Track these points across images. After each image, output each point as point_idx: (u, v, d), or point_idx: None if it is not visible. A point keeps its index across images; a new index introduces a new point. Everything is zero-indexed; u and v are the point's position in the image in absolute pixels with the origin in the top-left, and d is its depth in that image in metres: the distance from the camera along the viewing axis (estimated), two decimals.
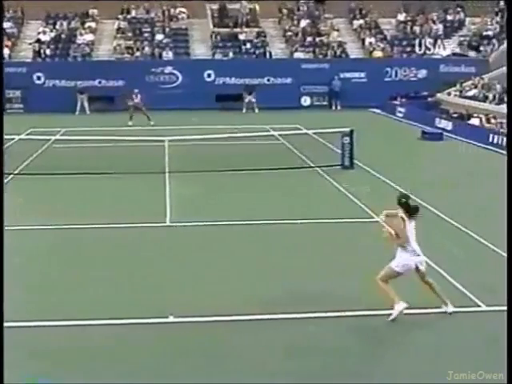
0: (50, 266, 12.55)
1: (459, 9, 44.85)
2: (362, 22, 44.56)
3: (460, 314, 10.15)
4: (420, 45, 42.61)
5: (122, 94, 36.38)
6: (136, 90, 33.84)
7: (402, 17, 44.96)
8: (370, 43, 42.83)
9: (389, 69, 40.66)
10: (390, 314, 9.77)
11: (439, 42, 42.49)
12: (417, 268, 9.90)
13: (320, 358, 8.83)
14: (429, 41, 42.52)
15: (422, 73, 40.58)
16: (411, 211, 9.96)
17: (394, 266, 9.87)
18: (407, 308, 9.78)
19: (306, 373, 8.48)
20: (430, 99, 38.14)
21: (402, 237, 9.79)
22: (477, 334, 9.67)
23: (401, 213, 9.91)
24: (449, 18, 44.95)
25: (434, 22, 44.15)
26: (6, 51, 40.67)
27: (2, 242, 11.54)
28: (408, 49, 43.04)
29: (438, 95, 38.00)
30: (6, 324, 8.66)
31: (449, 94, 37.44)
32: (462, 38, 42.96)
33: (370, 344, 9.48)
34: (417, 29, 44.00)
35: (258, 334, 9.62)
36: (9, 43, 41.58)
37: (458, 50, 41.91)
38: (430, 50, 42.33)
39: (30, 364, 8.70)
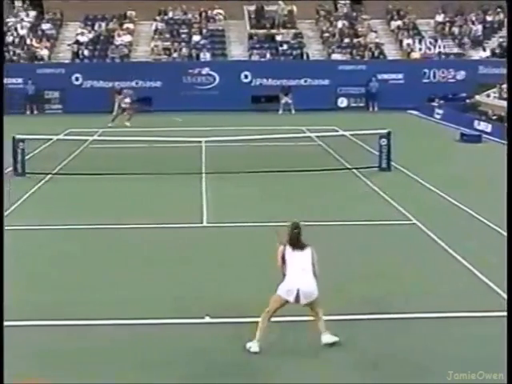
0: (87, 265, 12.64)
1: (499, 9, 44.36)
2: (399, 22, 44.29)
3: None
4: (460, 45, 42.28)
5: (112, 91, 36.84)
6: (125, 91, 34.16)
7: (440, 18, 44.62)
8: (408, 44, 42.57)
9: (427, 70, 40.36)
10: None
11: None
12: (297, 296, 9.02)
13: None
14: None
15: (461, 74, 40.22)
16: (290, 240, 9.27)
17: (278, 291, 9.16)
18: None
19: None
20: (468, 101, 37.76)
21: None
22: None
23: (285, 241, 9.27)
24: (488, 18, 44.51)
25: (473, 23, 43.77)
26: (45, 52, 41.16)
27: (2, 242, 11.64)
28: (447, 50, 42.69)
29: (477, 97, 37.62)
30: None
31: (488, 95, 37.06)
32: (501, 39, 42.50)
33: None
34: (455, 30, 43.66)
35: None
36: (48, 44, 42.06)
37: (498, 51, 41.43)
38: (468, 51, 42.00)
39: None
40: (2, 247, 11.22)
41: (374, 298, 10.79)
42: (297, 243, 9.24)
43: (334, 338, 9.13)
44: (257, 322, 9.08)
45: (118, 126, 31.64)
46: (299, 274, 9.05)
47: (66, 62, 41.34)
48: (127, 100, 34.02)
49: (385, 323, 10.03)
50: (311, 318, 9.26)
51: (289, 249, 9.22)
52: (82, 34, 42.83)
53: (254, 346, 9.03)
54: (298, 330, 9.59)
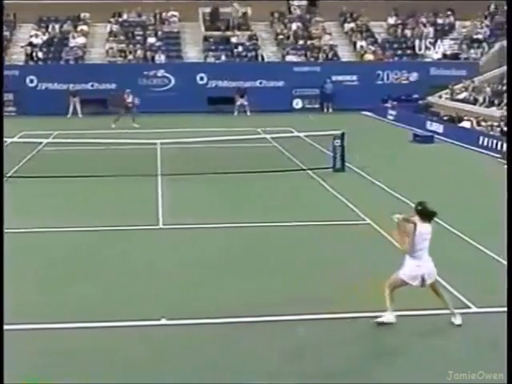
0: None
1: (449, 12, 44.96)
2: (353, 25, 44.66)
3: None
4: (413, 47, 42.75)
5: (112, 94, 36.63)
6: (128, 90, 34.04)
7: (392, 20, 45.07)
8: (362, 46, 42.93)
9: (380, 72, 40.77)
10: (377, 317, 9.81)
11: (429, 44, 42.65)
12: (423, 280, 9.62)
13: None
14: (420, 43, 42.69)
15: (413, 76, 40.70)
16: (426, 216, 9.68)
17: (401, 275, 9.71)
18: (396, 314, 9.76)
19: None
20: (420, 102, 38.23)
21: (407, 244, 9.53)
22: (477, 335, 9.71)
23: (416, 220, 9.63)
24: (439, 21, 45.05)
25: (424, 26, 44.27)
26: None
27: (2, 241, 11.52)
28: (399, 52, 43.15)
29: (429, 98, 38.12)
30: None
31: (440, 96, 37.56)
32: (452, 42, 43.09)
33: (368, 345, 9.50)
34: (408, 32, 44.12)
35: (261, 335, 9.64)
36: None
37: (451, 51, 41.96)
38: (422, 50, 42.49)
39: None
40: (1, 247, 11.11)
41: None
42: (430, 216, 9.72)
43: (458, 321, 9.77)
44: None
45: (122, 127, 31.31)
46: (425, 255, 9.60)
47: (20, 64, 40.86)
48: (130, 100, 33.91)
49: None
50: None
51: (419, 225, 9.56)
52: (36, 35, 42.40)
53: (389, 317, 9.70)
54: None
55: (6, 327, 8.48)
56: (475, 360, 8.88)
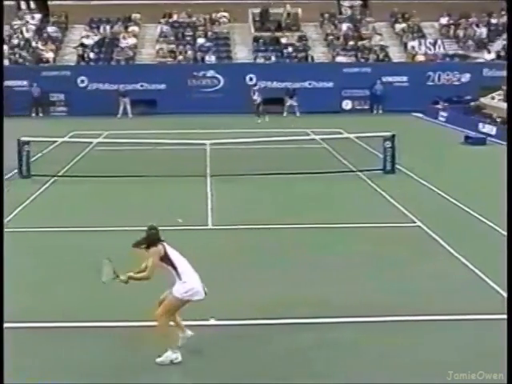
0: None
1: (503, 12, 44.33)
2: (404, 25, 44.30)
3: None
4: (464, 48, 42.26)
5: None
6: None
7: (444, 20, 44.61)
8: (413, 47, 42.58)
9: (431, 73, 40.34)
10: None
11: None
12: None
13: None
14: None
15: (466, 77, 40.22)
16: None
17: (181, 294, 8.94)
18: None
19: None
20: (472, 103, 37.73)
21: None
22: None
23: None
24: (493, 21, 44.47)
25: (477, 26, 43.74)
26: (50, 55, 41.24)
27: (2, 242, 11.68)
28: (451, 52, 42.69)
29: (482, 99, 37.60)
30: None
31: (492, 98, 37.02)
32: (505, 42, 42.45)
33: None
34: (460, 32, 43.64)
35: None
36: (53, 47, 42.12)
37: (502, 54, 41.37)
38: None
39: None
40: (1, 247, 11.27)
41: (377, 300, 10.80)
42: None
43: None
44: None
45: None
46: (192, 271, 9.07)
47: (72, 64, 41.39)
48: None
49: (386, 325, 10.04)
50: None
51: (167, 246, 9.09)
52: (87, 36, 42.91)
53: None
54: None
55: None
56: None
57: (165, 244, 9.11)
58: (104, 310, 10.55)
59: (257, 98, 37.76)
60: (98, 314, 10.41)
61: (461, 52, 42.41)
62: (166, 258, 9.01)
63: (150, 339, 9.15)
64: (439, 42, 42.90)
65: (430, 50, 42.41)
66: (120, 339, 9.62)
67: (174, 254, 9.07)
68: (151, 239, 9.09)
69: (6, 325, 8.97)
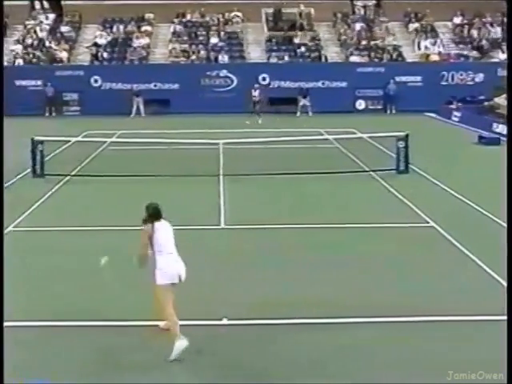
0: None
1: None
2: (417, 25, 44.21)
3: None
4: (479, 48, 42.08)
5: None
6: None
7: (458, 20, 44.48)
8: (426, 47, 42.46)
9: (445, 72, 40.23)
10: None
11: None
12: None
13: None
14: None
15: (479, 77, 40.07)
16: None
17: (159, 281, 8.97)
18: None
19: None
20: (486, 103, 37.58)
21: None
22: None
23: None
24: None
25: (491, 25, 43.59)
26: (64, 54, 41.41)
27: (2, 242, 11.72)
28: (465, 52, 42.55)
29: (496, 99, 37.42)
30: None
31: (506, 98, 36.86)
32: None
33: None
34: (474, 32, 43.49)
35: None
36: (67, 47, 42.31)
37: None
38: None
39: None
40: (1, 247, 11.31)
41: (387, 301, 10.78)
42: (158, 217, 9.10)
43: None
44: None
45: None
46: (173, 254, 9.04)
47: (85, 64, 41.56)
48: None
49: (397, 326, 10.03)
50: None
51: (157, 226, 9.02)
52: (101, 36, 43.07)
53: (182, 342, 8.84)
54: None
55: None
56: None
57: (157, 224, 9.04)
58: (112, 308, 10.57)
59: (257, 95, 37.60)
60: (105, 313, 10.41)
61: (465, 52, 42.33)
62: (151, 239, 8.98)
63: (157, 338, 9.18)
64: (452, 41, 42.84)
65: (443, 49, 42.28)
66: (129, 337, 9.64)
67: (157, 237, 8.96)
68: (147, 215, 9.13)
69: (16, 323, 9.02)
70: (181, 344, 8.82)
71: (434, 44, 42.67)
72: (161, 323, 9.48)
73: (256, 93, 37.39)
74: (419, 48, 42.75)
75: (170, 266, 8.96)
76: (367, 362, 8.85)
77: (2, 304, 9.22)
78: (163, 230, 9.06)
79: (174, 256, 9.05)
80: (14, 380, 8.08)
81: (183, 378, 8.68)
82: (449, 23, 44.80)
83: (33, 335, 9.73)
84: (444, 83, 40.13)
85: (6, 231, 14.68)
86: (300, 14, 44.24)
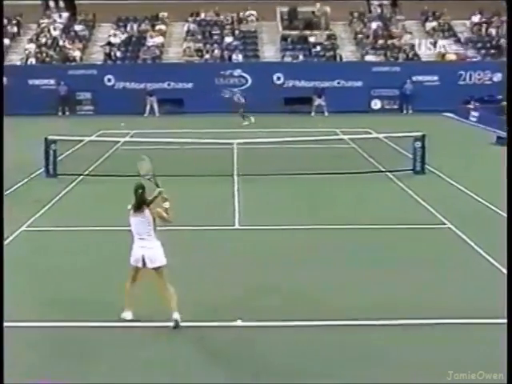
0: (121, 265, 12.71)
1: None
2: (435, 24, 44.08)
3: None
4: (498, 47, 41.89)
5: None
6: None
7: (476, 18, 44.32)
8: (443, 46, 42.32)
9: (462, 72, 40.06)
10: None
11: None
12: (144, 261, 9.87)
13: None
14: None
15: (497, 76, 39.87)
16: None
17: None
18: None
19: None
20: (504, 103, 37.38)
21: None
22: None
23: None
24: None
25: None
26: (77, 53, 41.54)
27: (2, 242, 11.74)
28: (482, 51, 42.40)
29: None
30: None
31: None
32: None
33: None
34: (492, 31, 43.32)
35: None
36: (80, 46, 42.47)
37: None
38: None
39: None
40: (1, 248, 11.34)
41: (401, 302, 10.76)
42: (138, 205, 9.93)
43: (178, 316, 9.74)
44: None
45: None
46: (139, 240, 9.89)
47: (99, 63, 41.70)
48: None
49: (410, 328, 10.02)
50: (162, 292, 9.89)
51: (132, 212, 9.99)
52: (115, 35, 43.19)
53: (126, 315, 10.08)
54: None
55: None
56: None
57: (132, 210, 9.94)
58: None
59: (241, 100, 37.36)
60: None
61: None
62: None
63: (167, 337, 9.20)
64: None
65: (461, 48, 42.15)
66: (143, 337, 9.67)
67: (131, 223, 9.98)
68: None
69: (20, 324, 9.05)
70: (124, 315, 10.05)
71: (451, 43, 42.52)
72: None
73: (239, 99, 36.86)
74: (436, 47, 42.59)
75: (134, 250, 9.92)
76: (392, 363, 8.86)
77: (2, 304, 9.28)
78: (134, 219, 9.95)
79: (143, 242, 9.85)
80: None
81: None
82: (467, 22, 44.65)
83: (44, 336, 9.77)
84: (461, 83, 39.97)
85: (18, 231, 14.79)
86: (313, 12, 44.19)
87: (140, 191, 9.91)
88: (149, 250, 9.83)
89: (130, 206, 9.94)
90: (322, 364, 8.87)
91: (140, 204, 9.87)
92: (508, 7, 32.32)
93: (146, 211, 9.85)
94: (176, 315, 9.72)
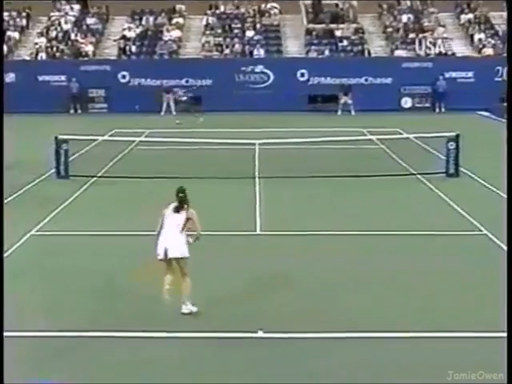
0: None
1: None
2: (470, 16, 43.90)
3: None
4: None
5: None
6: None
7: None
8: (480, 40, 42.13)
9: (500, 68, 39.81)
10: None
11: None
12: (165, 252, 10.44)
13: None
14: None
15: None
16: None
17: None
18: None
19: None
20: None
21: None
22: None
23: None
24: None
25: None
26: (90, 48, 41.74)
27: (2, 242, 11.78)
28: None
29: None
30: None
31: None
32: None
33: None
34: None
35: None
36: (93, 40, 42.65)
37: None
38: None
39: None
40: (1, 248, 11.37)
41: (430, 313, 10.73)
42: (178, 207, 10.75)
43: (193, 309, 10.56)
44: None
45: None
46: (167, 233, 10.56)
47: (112, 58, 41.86)
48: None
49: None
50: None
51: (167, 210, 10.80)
52: (129, 29, 43.36)
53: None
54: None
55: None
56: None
57: (166, 210, 10.79)
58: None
59: (182, 97, 37.52)
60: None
61: None
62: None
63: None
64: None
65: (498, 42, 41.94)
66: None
67: (166, 218, 10.74)
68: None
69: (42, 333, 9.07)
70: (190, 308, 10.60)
71: (488, 37, 42.32)
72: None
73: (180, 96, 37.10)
74: (472, 41, 42.43)
75: (159, 243, 10.59)
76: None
77: (2, 308, 9.35)
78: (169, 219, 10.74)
79: (168, 234, 10.57)
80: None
81: None
82: (504, 14, 44.39)
83: (61, 343, 9.83)
84: (498, 79, 39.71)
85: (27, 235, 14.86)
86: (336, 5, 44.12)
87: (181, 195, 10.74)
88: (171, 240, 10.44)
89: (167, 210, 10.76)
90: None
91: (180, 205, 10.69)
92: (508, 7, 32.27)
93: (183, 212, 10.68)
94: (189, 304, 10.55)
